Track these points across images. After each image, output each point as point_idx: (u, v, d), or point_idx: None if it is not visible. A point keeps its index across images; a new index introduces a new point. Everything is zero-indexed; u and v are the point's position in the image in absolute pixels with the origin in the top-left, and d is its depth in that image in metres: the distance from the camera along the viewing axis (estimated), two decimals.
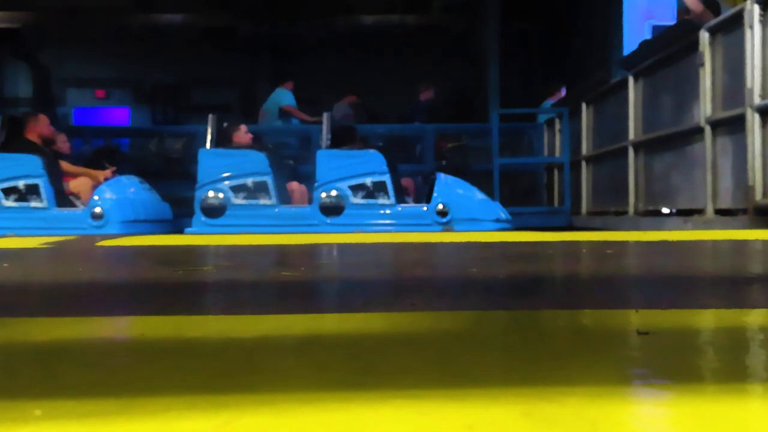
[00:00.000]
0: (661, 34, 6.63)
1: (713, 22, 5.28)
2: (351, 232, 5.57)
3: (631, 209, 6.78)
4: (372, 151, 6.78)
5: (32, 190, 6.70)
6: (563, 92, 10.09)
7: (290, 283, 1.79)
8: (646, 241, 3.38)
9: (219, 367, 0.88)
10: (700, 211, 5.42)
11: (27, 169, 6.72)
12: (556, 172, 9.38)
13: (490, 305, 1.39)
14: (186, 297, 1.61)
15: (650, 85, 6.50)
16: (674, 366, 0.86)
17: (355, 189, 6.64)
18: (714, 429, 0.62)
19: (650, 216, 6.36)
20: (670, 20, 9.08)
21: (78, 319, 1.26)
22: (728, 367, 0.86)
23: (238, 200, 6.74)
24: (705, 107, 5.32)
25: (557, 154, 9.23)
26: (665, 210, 5.83)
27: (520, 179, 10.19)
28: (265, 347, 1.01)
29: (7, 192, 6.72)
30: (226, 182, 6.77)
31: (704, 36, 5.30)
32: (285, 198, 7.02)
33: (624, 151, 6.92)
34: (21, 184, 6.71)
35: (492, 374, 0.85)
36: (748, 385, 0.77)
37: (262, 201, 6.74)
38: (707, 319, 1.22)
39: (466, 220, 6.52)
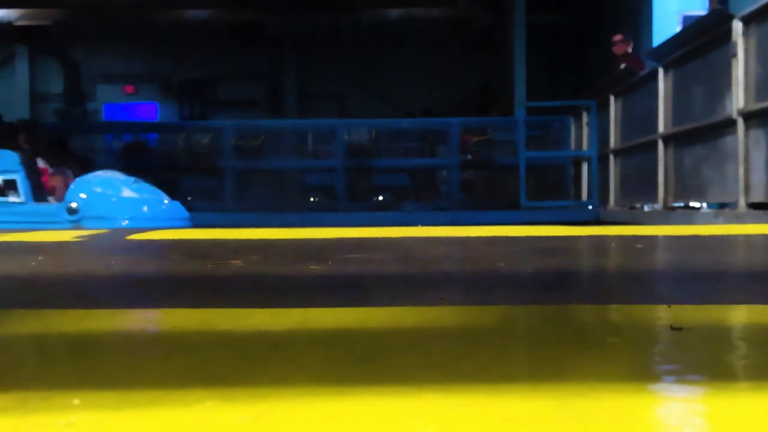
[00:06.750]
0: (692, 24, 6.51)
1: (746, 11, 5.17)
2: (371, 227, 5.57)
3: (660, 203, 6.68)
4: (4, 150, 7.11)
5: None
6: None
7: (318, 277, 1.80)
8: (676, 235, 3.34)
9: (251, 359, 0.89)
10: (732, 205, 5.33)
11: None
12: (583, 166, 9.29)
13: (519, 300, 1.39)
14: (216, 290, 1.63)
15: (681, 76, 6.39)
16: (707, 362, 0.85)
17: None
18: (749, 426, 0.61)
19: (680, 210, 6.26)
20: (701, 10, 8.90)
21: (111, 311, 1.28)
22: (764, 363, 0.85)
23: None
24: (737, 99, 5.21)
25: (584, 147, 9.13)
26: (702, 205, 5.71)
27: (547, 173, 10.10)
28: (294, 340, 1.01)
29: None
30: None
31: (737, 26, 5.19)
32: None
33: (653, 144, 6.82)
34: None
35: (523, 369, 0.85)
36: None
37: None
38: (741, 315, 1.21)
39: (96, 218, 6.71)
